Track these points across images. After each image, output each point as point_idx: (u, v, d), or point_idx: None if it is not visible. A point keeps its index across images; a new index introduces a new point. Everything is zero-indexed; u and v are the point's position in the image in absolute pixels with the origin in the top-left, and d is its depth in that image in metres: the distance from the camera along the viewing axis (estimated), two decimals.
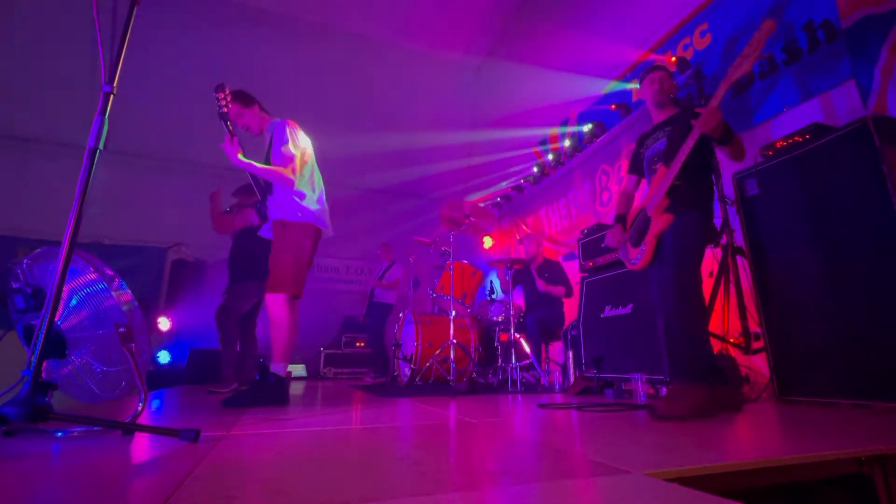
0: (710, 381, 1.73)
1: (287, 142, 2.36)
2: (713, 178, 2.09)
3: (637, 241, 2.10)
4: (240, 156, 2.25)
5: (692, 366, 1.77)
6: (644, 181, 2.31)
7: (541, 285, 3.97)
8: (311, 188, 2.46)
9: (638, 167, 2.30)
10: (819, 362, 1.97)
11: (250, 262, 3.59)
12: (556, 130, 5.49)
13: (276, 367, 2.23)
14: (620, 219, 2.26)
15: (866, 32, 2.34)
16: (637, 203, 2.23)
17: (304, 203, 2.39)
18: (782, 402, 2.09)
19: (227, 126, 2.26)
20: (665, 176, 1.94)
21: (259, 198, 2.52)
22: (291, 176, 2.34)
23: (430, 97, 7.63)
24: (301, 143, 2.45)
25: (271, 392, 2.19)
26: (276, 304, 2.25)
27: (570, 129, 5.18)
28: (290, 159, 2.34)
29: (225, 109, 2.23)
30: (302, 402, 2.62)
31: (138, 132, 5.62)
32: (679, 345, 1.82)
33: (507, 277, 3.77)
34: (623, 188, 2.37)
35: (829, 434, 1.29)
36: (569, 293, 3.96)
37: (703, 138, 1.88)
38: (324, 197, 2.53)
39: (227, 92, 2.27)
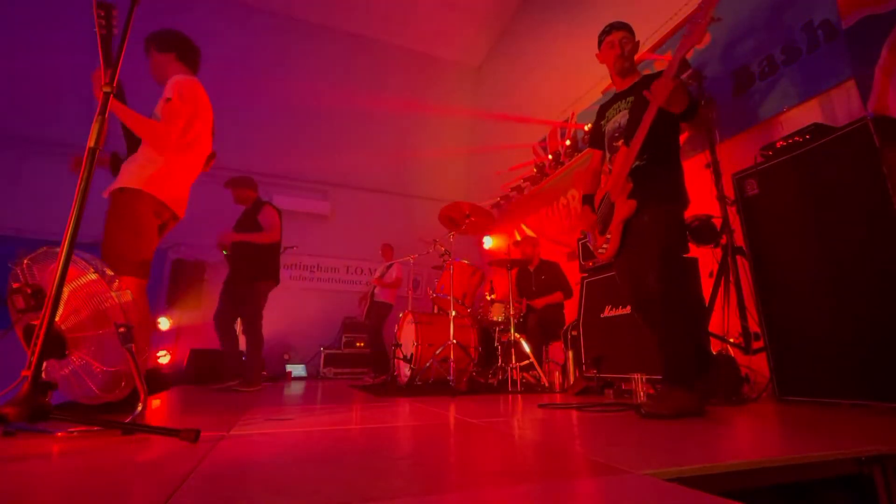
0: (694, 382, 1.69)
1: (172, 97, 1.94)
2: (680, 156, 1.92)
3: (603, 229, 1.95)
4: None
5: (675, 368, 1.74)
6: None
7: (537, 303, 3.97)
8: (181, 155, 2.05)
9: (598, 141, 2.12)
10: (819, 362, 1.97)
11: (251, 262, 3.60)
12: (556, 130, 5.49)
13: None
14: (588, 199, 2.08)
15: (866, 32, 2.34)
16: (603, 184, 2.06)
17: (156, 168, 1.97)
18: (782, 402, 2.09)
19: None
20: (627, 156, 1.79)
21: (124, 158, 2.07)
22: (168, 136, 1.90)
23: (430, 97, 7.65)
24: (193, 104, 2.02)
25: None
26: None
27: (570, 129, 5.18)
28: (172, 116, 1.91)
29: (104, 31, 1.56)
30: (302, 402, 2.62)
31: None
32: (663, 347, 1.79)
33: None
34: (588, 165, 2.20)
35: (829, 434, 1.29)
36: (567, 294, 3.95)
37: (664, 114, 1.70)
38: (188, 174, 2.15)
39: (116, 13, 1.57)
